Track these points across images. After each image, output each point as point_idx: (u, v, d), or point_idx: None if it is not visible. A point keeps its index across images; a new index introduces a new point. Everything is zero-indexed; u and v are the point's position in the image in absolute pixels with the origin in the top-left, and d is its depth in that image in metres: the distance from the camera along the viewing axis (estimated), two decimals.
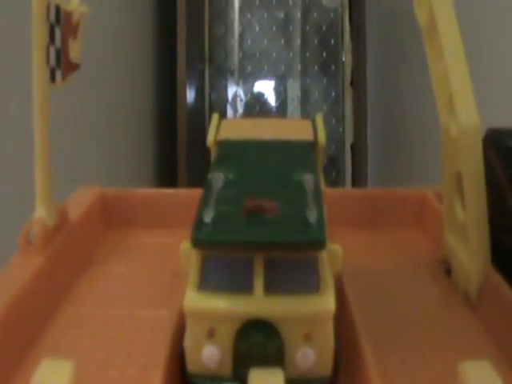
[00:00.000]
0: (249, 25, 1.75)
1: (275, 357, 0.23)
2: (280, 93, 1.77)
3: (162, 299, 0.35)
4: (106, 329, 0.32)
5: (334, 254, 0.25)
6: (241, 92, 1.78)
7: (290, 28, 1.75)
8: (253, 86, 1.78)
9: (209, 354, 0.24)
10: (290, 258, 0.23)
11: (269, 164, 0.29)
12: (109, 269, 0.39)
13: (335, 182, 1.66)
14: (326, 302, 0.23)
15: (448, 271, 0.36)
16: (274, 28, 1.75)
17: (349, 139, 1.69)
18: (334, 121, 1.68)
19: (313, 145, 0.31)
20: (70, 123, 0.85)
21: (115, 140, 1.27)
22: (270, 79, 1.77)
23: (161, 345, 0.27)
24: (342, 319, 0.26)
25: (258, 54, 1.76)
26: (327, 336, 0.23)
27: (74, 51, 0.37)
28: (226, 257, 0.24)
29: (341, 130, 1.69)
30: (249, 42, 1.76)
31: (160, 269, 0.38)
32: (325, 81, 1.73)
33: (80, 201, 0.42)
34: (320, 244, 0.23)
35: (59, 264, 0.35)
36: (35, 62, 0.33)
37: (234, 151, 0.30)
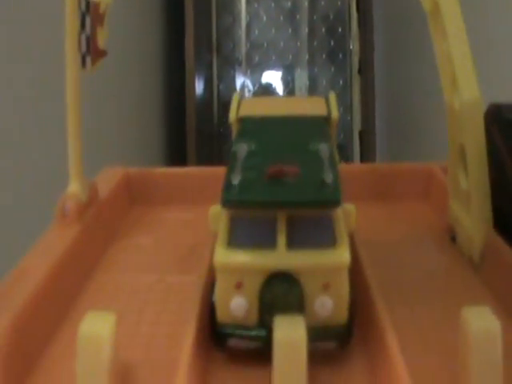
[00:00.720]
0: (256, 15, 1.77)
1: (297, 305, 0.26)
2: (288, 82, 1.79)
3: (186, 266, 0.37)
4: (136, 292, 0.35)
5: (347, 213, 0.27)
6: (249, 82, 1.79)
7: (298, 17, 1.76)
8: (261, 76, 1.79)
9: (237, 305, 0.26)
10: (309, 216, 0.26)
11: (287, 136, 0.31)
12: (134, 241, 0.42)
13: None
14: (342, 255, 0.26)
15: (453, 239, 0.39)
16: (282, 17, 1.77)
17: (357, 127, 1.71)
18: (341, 109, 1.69)
19: (326, 119, 0.33)
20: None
21: (125, 131, 1.29)
22: (277, 69, 1.79)
23: (191, 303, 0.29)
24: (356, 278, 0.29)
25: (265, 44, 1.77)
26: (343, 286, 0.26)
27: (101, 39, 0.40)
28: (251, 216, 0.26)
29: (349, 118, 1.71)
30: (256, 32, 1.77)
31: (181, 240, 0.41)
32: (332, 69, 1.75)
33: (106, 179, 0.45)
34: (335, 202, 0.25)
35: (91, 235, 0.38)
36: (68, 49, 0.36)
37: (255, 126, 0.33)
